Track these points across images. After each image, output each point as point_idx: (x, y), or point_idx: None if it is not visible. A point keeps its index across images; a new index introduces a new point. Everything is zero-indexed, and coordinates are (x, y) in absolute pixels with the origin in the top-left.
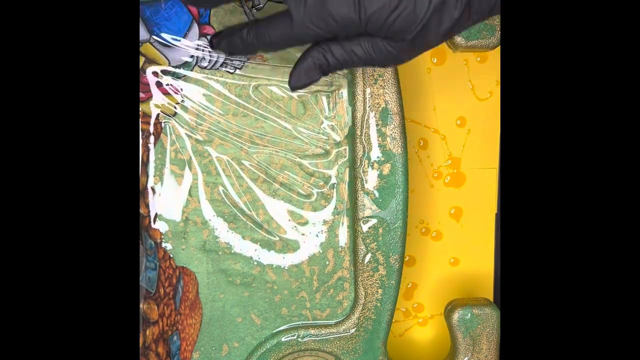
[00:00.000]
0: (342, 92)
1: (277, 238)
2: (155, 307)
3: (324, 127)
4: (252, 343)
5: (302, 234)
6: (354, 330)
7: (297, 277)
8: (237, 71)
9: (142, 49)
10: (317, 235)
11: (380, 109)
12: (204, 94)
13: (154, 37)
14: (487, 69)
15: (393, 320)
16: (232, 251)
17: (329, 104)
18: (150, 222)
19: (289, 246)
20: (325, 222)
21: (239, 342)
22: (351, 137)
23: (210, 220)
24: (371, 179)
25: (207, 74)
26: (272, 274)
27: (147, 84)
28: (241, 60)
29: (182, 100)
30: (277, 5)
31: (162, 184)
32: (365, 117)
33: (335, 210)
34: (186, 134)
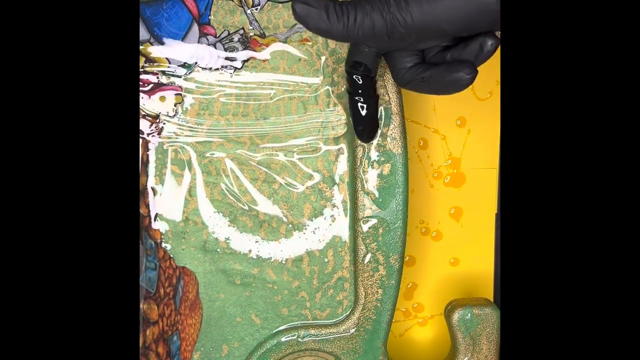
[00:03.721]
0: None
1: (277, 236)
2: (155, 307)
3: (324, 127)
4: (252, 343)
5: (302, 233)
6: (354, 330)
7: (297, 277)
8: (237, 71)
9: (142, 49)
10: (314, 233)
11: (380, 109)
12: (204, 94)
13: (153, 37)
14: (487, 69)
15: (393, 320)
16: (232, 248)
17: (329, 104)
18: (150, 222)
19: (289, 244)
20: (325, 222)
21: (239, 342)
22: (351, 137)
23: (210, 217)
24: (371, 179)
25: (207, 74)
26: (272, 273)
27: (147, 84)
28: (242, 60)
29: (182, 100)
30: (277, 5)
31: (162, 184)
32: None
33: (335, 210)
34: (186, 134)
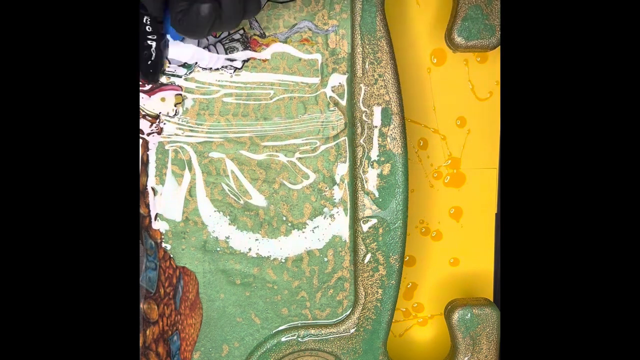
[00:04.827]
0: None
1: (277, 234)
2: (156, 307)
3: (324, 128)
4: (252, 343)
5: (302, 232)
6: (354, 330)
7: (297, 276)
8: (237, 71)
9: None
10: (313, 232)
11: (380, 109)
12: (204, 94)
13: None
14: (487, 69)
15: (393, 320)
16: (232, 248)
17: (329, 104)
18: (150, 222)
19: (289, 242)
20: (324, 221)
21: (239, 342)
22: (351, 137)
23: (210, 216)
24: (371, 179)
25: (207, 74)
26: (272, 273)
27: (148, 84)
28: (242, 60)
29: (183, 100)
30: (277, 5)
31: (162, 184)
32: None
33: (335, 210)
34: (186, 134)
